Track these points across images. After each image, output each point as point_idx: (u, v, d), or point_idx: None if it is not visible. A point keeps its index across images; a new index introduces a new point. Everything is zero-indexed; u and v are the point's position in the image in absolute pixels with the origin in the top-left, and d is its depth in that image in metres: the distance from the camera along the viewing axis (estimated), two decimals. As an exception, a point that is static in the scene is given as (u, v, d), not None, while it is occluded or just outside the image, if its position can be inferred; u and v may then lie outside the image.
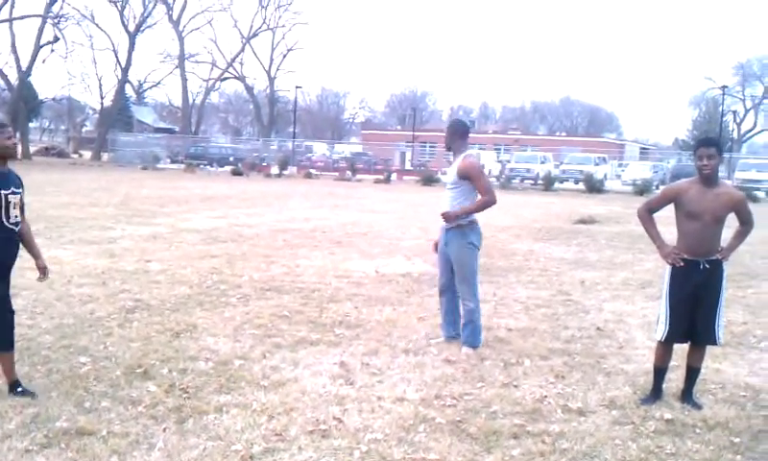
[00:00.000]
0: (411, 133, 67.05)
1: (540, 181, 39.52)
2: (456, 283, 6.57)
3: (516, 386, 5.59)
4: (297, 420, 4.71)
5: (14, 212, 4.92)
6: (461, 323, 6.65)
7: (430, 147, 72.66)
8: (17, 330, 6.45)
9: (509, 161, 47.72)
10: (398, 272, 10.42)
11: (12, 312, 5.07)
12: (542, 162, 44.33)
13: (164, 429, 4.50)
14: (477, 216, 6.62)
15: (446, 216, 6.48)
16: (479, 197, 6.47)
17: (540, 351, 6.57)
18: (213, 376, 5.56)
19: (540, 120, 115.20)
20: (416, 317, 7.69)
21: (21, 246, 5.11)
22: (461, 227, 6.50)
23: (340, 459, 4.17)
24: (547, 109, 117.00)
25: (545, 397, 5.37)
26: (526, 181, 41.49)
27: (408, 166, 56.17)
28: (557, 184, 38.73)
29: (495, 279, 10.16)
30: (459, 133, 6.64)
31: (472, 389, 5.47)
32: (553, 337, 7.10)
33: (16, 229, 4.95)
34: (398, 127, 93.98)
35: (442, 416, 4.89)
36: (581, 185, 38.30)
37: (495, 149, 61.83)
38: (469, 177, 6.41)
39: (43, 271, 5.27)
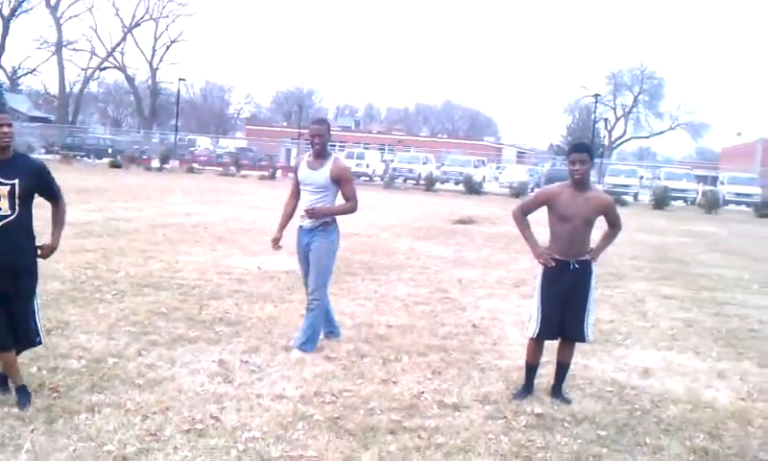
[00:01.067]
0: (297, 130, 66.82)
1: (421, 182, 40.15)
2: (310, 282, 6.41)
3: (394, 382, 5.68)
4: (172, 419, 4.63)
5: None
6: (332, 319, 6.83)
7: (315, 144, 72.58)
8: None
9: (392, 161, 48.22)
10: (281, 269, 10.36)
11: None
12: (425, 163, 45.04)
13: (32, 430, 4.33)
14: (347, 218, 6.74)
15: (314, 212, 6.30)
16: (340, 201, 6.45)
17: (418, 347, 6.70)
18: (85, 374, 5.38)
19: (423, 122, 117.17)
20: (297, 314, 7.65)
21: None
22: (327, 225, 6.40)
23: (216, 458, 4.14)
24: (430, 111, 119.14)
25: (422, 392, 5.49)
26: (409, 181, 42.10)
27: (293, 163, 55.85)
28: (438, 185, 39.48)
29: (377, 276, 10.28)
30: (329, 132, 6.41)
31: (352, 386, 5.53)
32: (431, 334, 7.26)
33: None
34: (284, 123, 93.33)
35: (320, 413, 4.91)
36: (461, 186, 39.18)
37: (380, 149, 62.39)
38: (341, 181, 6.31)
39: (44, 246, 5.00)
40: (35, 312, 4.89)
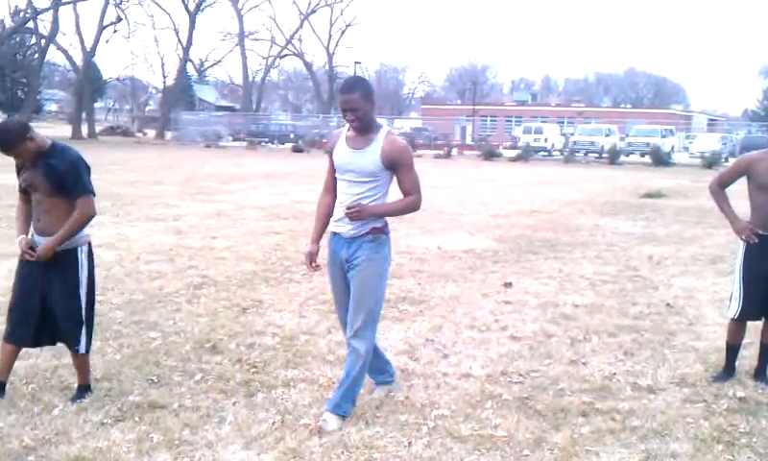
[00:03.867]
0: (471, 107, 66.59)
1: (604, 155, 38.77)
2: (351, 311, 4.37)
3: (584, 363, 5.51)
4: (363, 395, 4.71)
5: None
6: (386, 361, 4.88)
7: (491, 121, 72.09)
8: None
9: (572, 134, 46.96)
10: (461, 248, 10.37)
11: None
12: (607, 135, 43.38)
13: (234, 403, 4.57)
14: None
15: (359, 212, 4.24)
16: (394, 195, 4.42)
17: (607, 327, 6.46)
18: (280, 350, 5.62)
19: (604, 92, 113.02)
20: (480, 293, 7.64)
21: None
22: (376, 231, 4.36)
23: (407, 434, 4.18)
24: (611, 80, 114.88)
25: (614, 374, 5.28)
26: (590, 155, 40.74)
27: (469, 141, 55.73)
28: (622, 157, 37.92)
29: (560, 254, 10.03)
30: (371, 99, 4.23)
31: (539, 366, 5.41)
32: (621, 313, 6.97)
33: None
34: (458, 101, 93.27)
35: (508, 393, 4.85)
36: (647, 158, 37.34)
37: (559, 122, 60.81)
38: (398, 165, 4.28)
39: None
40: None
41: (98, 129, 59.19)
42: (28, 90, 57.14)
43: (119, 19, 57.85)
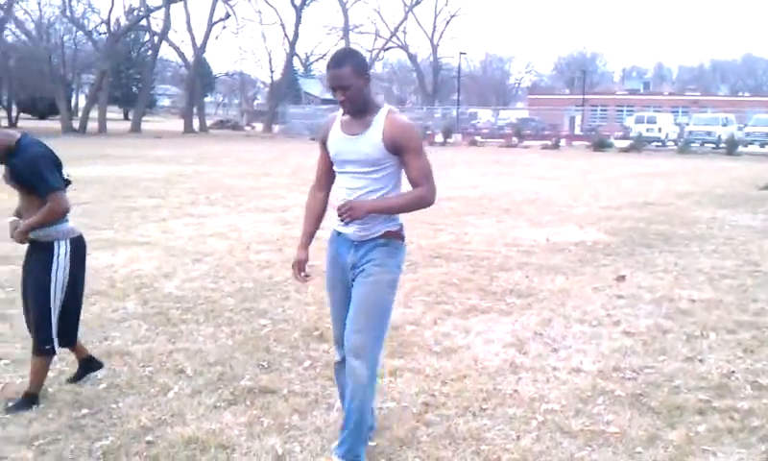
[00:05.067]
0: (580, 96, 65.19)
1: (721, 145, 37.19)
2: (353, 332, 3.58)
3: (700, 360, 5.28)
4: (470, 387, 4.68)
5: None
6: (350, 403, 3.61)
7: (601, 111, 70.29)
8: (202, 293, 6.89)
9: (687, 124, 45.24)
10: (570, 240, 10.13)
11: None
12: (724, 125, 41.51)
13: (341, 391, 4.61)
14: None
15: (351, 211, 3.46)
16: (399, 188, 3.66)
17: (726, 323, 6.17)
18: (386, 340, 5.61)
19: (721, 79, 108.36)
20: (590, 287, 7.44)
21: None
22: (392, 236, 3.66)
23: (516, 428, 4.11)
24: (728, 67, 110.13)
25: (733, 372, 5.04)
26: (706, 145, 39.15)
27: (578, 131, 54.52)
28: (740, 148, 36.27)
29: (676, 248, 9.67)
30: (364, 74, 3.50)
31: (653, 362, 5.22)
32: (740, 310, 6.65)
33: None
34: (567, 90, 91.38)
35: (621, 389, 4.70)
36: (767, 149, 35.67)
37: (672, 111, 58.63)
38: (404, 148, 3.51)
39: None
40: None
41: (208, 123, 61.20)
42: (142, 86, 59.65)
43: (228, 16, 59.56)
